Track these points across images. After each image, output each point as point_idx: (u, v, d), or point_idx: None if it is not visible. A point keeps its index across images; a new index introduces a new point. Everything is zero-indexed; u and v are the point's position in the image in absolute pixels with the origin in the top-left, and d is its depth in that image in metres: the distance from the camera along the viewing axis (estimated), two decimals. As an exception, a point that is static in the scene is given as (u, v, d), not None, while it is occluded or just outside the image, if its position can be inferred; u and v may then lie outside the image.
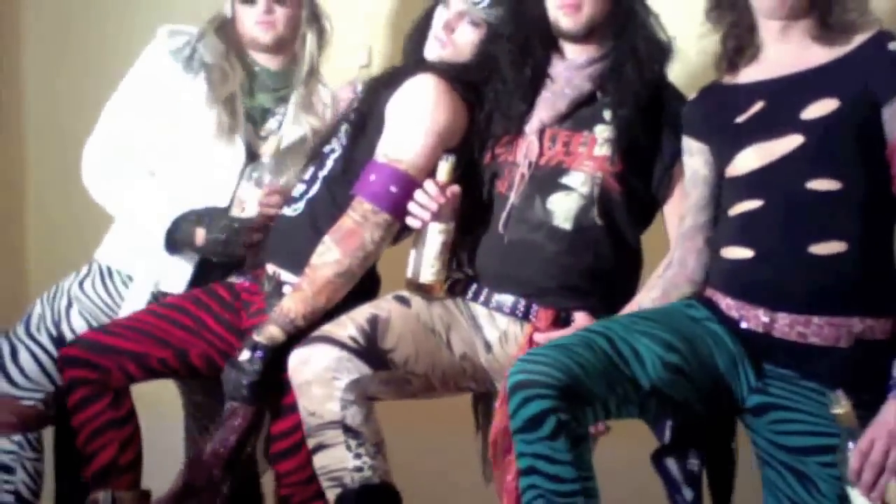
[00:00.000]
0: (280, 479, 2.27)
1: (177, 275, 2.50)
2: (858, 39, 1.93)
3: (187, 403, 2.69)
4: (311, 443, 2.07)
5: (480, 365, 2.19)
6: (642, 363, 1.85)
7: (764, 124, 1.96)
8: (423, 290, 2.19)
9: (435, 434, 2.84)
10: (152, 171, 2.51)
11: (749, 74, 2.04)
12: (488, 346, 2.18)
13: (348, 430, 2.03)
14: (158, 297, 2.49)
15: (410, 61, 2.35)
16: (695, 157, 2.10)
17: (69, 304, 2.56)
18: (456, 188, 2.17)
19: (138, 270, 2.53)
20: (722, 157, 2.02)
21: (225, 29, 2.56)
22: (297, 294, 2.18)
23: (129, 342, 2.29)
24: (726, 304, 1.97)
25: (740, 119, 2.00)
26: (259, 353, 2.15)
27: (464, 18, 2.25)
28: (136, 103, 2.53)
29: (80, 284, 2.58)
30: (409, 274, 2.19)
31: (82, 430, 2.27)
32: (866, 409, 1.85)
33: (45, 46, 3.27)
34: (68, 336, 2.50)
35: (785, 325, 1.89)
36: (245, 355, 2.16)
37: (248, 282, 2.43)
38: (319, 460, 2.07)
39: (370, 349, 2.06)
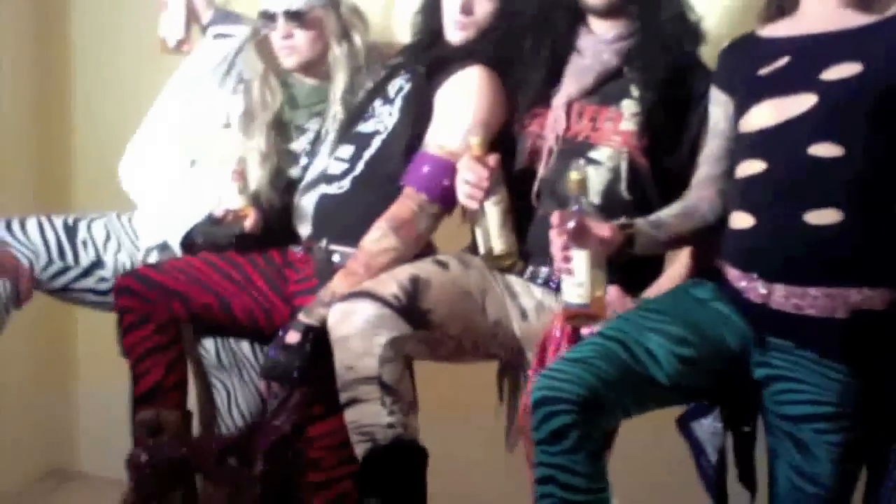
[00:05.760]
0: (312, 442, 2.32)
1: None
2: (895, 9, 1.90)
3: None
4: (343, 397, 2.09)
5: (512, 333, 2.21)
6: (657, 361, 1.87)
7: (783, 80, 1.94)
8: (501, 260, 2.23)
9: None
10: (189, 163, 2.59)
11: (782, 29, 2.01)
12: (524, 314, 2.20)
13: (384, 386, 2.05)
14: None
15: (425, 38, 2.41)
16: (716, 107, 2.09)
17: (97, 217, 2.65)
18: (495, 156, 2.19)
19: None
20: (741, 108, 1.99)
21: (265, 43, 2.53)
22: (350, 278, 2.20)
23: (178, 283, 2.40)
24: (732, 274, 1.95)
25: (763, 72, 1.97)
26: (311, 336, 2.17)
27: None
28: (174, 110, 2.59)
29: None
30: (482, 250, 2.23)
31: (131, 353, 2.39)
32: (865, 380, 1.85)
33: (94, 38, 3.27)
34: (81, 231, 2.58)
35: (781, 296, 1.88)
36: (294, 337, 2.19)
37: (301, 252, 2.51)
38: (350, 415, 2.09)
39: (411, 308, 2.07)
